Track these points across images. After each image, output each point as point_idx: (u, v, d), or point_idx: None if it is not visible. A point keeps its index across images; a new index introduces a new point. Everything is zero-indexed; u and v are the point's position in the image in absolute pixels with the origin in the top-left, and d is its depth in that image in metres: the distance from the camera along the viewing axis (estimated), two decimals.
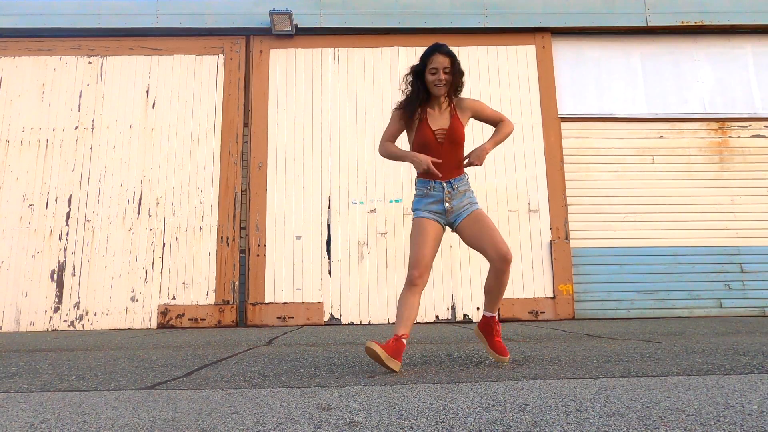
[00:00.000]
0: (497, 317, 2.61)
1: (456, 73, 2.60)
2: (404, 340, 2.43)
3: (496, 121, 2.75)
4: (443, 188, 2.59)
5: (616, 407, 1.52)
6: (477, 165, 2.61)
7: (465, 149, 2.70)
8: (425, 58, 2.60)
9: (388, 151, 2.75)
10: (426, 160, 2.53)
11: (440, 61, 2.56)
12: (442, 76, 2.56)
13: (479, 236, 2.54)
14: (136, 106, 7.20)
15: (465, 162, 2.64)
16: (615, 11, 7.39)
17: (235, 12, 7.31)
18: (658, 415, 1.42)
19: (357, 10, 7.32)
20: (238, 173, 7.03)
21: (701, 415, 1.41)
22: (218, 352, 3.45)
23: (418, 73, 2.64)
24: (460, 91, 2.70)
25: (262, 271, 6.75)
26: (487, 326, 2.63)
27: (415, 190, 2.70)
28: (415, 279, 2.51)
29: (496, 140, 2.69)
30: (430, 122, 2.63)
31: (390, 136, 2.76)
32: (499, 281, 2.53)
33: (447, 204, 2.59)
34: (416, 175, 2.71)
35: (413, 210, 2.68)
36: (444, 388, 1.91)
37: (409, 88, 2.67)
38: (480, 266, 6.81)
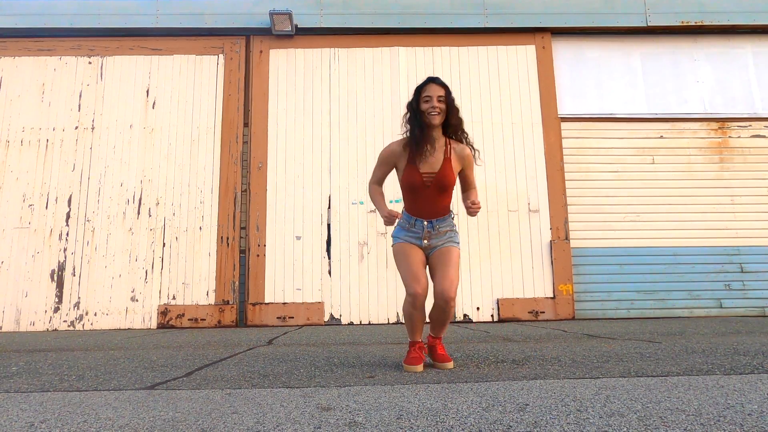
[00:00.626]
0: (441, 339, 2.69)
1: (450, 105, 2.54)
2: (421, 341, 2.65)
3: (469, 186, 2.75)
4: (423, 227, 2.58)
5: (616, 407, 1.52)
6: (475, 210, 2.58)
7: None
8: (418, 89, 2.58)
9: (373, 198, 2.76)
10: (388, 222, 2.55)
11: (433, 89, 2.53)
12: (436, 104, 2.50)
13: (436, 268, 2.57)
14: (136, 106, 7.20)
15: (469, 208, 2.59)
16: (615, 11, 7.39)
17: (235, 12, 7.31)
18: (658, 415, 1.42)
19: (357, 10, 7.32)
20: (238, 173, 7.03)
21: (701, 415, 1.41)
22: (218, 352, 3.45)
23: (412, 107, 2.58)
24: (460, 132, 2.62)
25: (262, 271, 6.74)
26: (431, 347, 2.67)
27: (400, 219, 2.68)
28: (417, 296, 2.50)
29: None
30: (421, 163, 2.56)
31: (378, 180, 2.76)
32: (441, 315, 2.57)
33: (425, 242, 2.60)
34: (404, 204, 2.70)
35: (393, 237, 2.69)
36: (444, 388, 1.91)
37: (408, 126, 2.61)
38: (480, 266, 6.81)
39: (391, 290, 6.72)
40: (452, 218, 2.66)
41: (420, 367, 2.48)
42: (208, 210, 6.93)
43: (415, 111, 2.57)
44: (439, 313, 2.57)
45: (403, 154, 2.61)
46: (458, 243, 2.65)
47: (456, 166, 2.61)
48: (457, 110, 2.59)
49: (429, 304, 2.56)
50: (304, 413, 1.54)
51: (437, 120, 2.52)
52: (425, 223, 2.58)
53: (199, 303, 6.66)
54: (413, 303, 2.51)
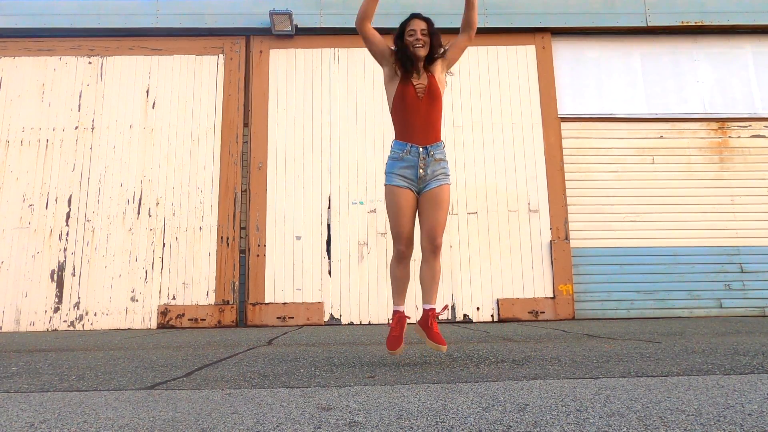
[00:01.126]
0: (435, 309, 2.58)
1: (433, 35, 2.65)
2: (402, 309, 2.60)
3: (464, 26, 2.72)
4: (419, 154, 2.58)
5: (616, 407, 1.52)
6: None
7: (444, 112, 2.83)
8: (403, 24, 2.69)
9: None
10: None
11: (417, 23, 2.65)
12: (420, 36, 2.62)
13: (426, 211, 2.60)
14: (136, 106, 7.20)
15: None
16: (615, 11, 7.39)
17: (235, 12, 7.31)
18: (658, 415, 1.42)
19: (357, 10, 7.30)
20: (238, 173, 7.03)
21: (701, 415, 1.41)
22: (218, 352, 3.45)
23: (398, 42, 2.68)
24: (442, 52, 2.71)
25: (262, 271, 6.74)
26: (425, 319, 2.55)
27: (390, 151, 2.67)
28: (403, 252, 2.60)
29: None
30: (412, 79, 2.65)
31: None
32: (430, 269, 2.60)
33: (421, 171, 2.59)
34: (394, 136, 2.69)
35: (386, 173, 2.66)
36: (444, 388, 1.91)
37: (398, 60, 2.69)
38: (480, 266, 6.81)
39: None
40: (444, 147, 2.68)
41: (399, 351, 2.49)
42: (208, 210, 6.93)
43: (401, 44, 2.67)
44: (425, 267, 2.59)
45: (395, 74, 2.67)
46: (449, 176, 2.68)
47: (440, 77, 2.71)
48: (440, 42, 2.70)
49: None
50: (304, 413, 1.54)
51: (422, 52, 2.63)
52: (420, 149, 2.59)
53: (199, 303, 6.66)
54: (397, 257, 2.60)
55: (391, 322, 2.62)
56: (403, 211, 2.59)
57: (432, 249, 2.59)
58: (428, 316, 2.53)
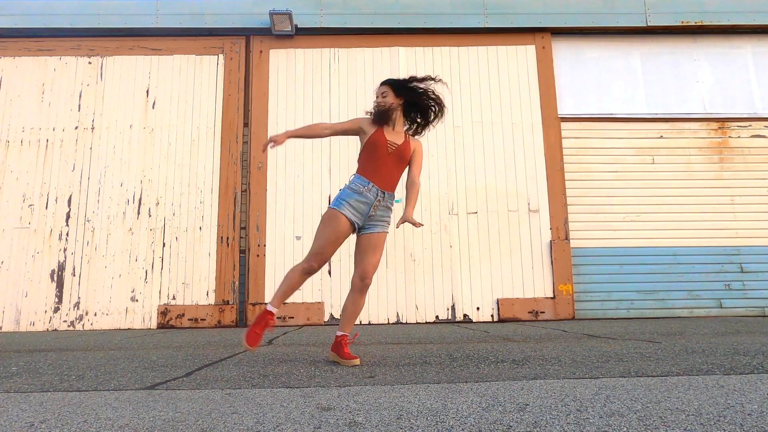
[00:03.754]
0: (348, 336, 2.79)
1: (403, 93, 2.95)
2: (272, 309, 2.75)
3: (414, 176, 2.92)
4: (377, 194, 2.75)
5: (616, 407, 1.52)
6: (417, 225, 2.76)
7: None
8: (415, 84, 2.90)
9: (309, 127, 2.90)
10: (270, 141, 2.72)
11: (378, 89, 2.97)
12: (380, 99, 2.91)
13: (366, 251, 2.77)
14: (136, 106, 7.20)
15: (401, 222, 2.78)
16: (615, 11, 7.39)
17: (235, 12, 7.31)
18: (658, 415, 1.42)
19: (357, 10, 7.32)
20: (238, 173, 7.03)
21: (701, 415, 1.41)
22: (218, 352, 3.45)
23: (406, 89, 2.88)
24: (411, 126, 3.01)
25: (262, 271, 6.74)
26: (338, 345, 2.77)
27: (350, 182, 2.79)
28: (314, 269, 2.77)
29: (413, 205, 2.87)
30: (386, 133, 2.84)
31: (332, 126, 2.91)
32: (356, 303, 2.78)
33: (372, 211, 2.75)
34: (357, 170, 2.83)
35: (338, 198, 2.75)
36: (444, 388, 1.91)
37: (426, 96, 2.88)
38: (480, 266, 6.81)
39: (391, 290, 6.72)
40: (394, 200, 2.88)
41: (256, 348, 2.71)
42: (208, 210, 6.93)
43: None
44: (353, 300, 2.77)
45: (372, 125, 2.86)
46: (389, 225, 2.88)
47: (412, 149, 2.91)
48: (417, 99, 2.97)
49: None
50: (304, 413, 1.54)
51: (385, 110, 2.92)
52: (379, 191, 2.76)
53: (199, 303, 6.66)
54: (307, 271, 2.75)
55: (259, 318, 2.74)
56: (338, 239, 2.73)
57: (363, 287, 2.78)
58: (342, 342, 2.76)
